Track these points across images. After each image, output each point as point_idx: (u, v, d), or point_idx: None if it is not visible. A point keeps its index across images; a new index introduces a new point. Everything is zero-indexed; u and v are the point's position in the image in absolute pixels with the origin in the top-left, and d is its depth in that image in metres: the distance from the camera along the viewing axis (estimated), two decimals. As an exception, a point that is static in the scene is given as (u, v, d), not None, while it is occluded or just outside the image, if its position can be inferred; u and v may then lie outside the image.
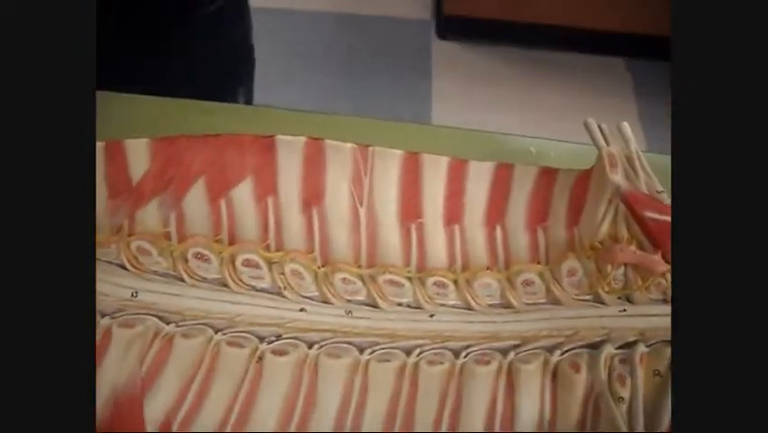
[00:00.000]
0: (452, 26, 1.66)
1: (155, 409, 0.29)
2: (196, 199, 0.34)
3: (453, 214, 0.36)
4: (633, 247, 0.33)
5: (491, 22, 1.63)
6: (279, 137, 0.35)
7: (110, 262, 0.33)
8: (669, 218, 0.33)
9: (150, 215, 0.34)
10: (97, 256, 0.33)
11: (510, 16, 1.62)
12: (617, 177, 0.33)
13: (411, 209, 0.35)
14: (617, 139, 0.37)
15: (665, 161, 0.37)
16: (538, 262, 0.35)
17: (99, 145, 0.34)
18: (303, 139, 0.35)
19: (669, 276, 0.33)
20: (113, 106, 0.42)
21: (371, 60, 1.63)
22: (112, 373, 0.30)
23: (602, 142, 0.36)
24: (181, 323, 0.32)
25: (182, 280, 0.33)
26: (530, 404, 0.30)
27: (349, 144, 0.35)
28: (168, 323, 0.32)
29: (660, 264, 0.32)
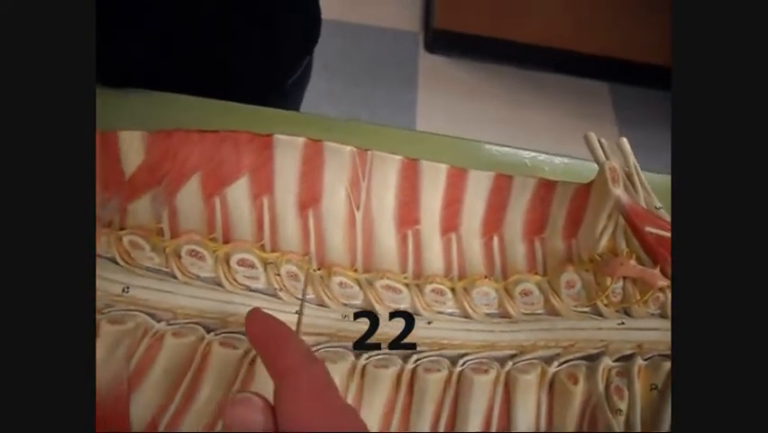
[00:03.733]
0: (441, 40, 1.67)
1: (141, 408, 0.28)
2: (190, 195, 0.33)
3: (451, 222, 0.35)
4: (633, 261, 0.32)
5: (480, 38, 1.64)
6: (278, 136, 0.34)
7: (101, 256, 0.32)
8: (668, 234, 0.33)
9: (143, 209, 0.33)
10: (88, 249, 0.32)
11: (499, 34, 1.63)
12: (619, 191, 0.33)
13: (408, 215, 0.35)
14: (615, 154, 0.37)
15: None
16: (536, 273, 0.34)
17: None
18: (302, 140, 0.34)
19: (668, 291, 0.33)
20: (114, 101, 0.41)
21: (358, 68, 1.62)
22: (98, 370, 0.29)
23: (602, 157, 0.35)
24: (172, 321, 0.31)
25: (174, 277, 0.32)
26: (527, 414, 0.30)
27: (348, 147, 0.34)
28: (158, 321, 0.31)
29: (659, 278, 0.32)
